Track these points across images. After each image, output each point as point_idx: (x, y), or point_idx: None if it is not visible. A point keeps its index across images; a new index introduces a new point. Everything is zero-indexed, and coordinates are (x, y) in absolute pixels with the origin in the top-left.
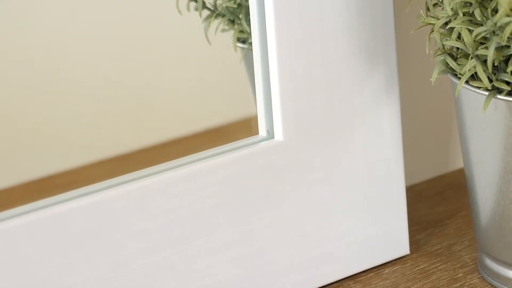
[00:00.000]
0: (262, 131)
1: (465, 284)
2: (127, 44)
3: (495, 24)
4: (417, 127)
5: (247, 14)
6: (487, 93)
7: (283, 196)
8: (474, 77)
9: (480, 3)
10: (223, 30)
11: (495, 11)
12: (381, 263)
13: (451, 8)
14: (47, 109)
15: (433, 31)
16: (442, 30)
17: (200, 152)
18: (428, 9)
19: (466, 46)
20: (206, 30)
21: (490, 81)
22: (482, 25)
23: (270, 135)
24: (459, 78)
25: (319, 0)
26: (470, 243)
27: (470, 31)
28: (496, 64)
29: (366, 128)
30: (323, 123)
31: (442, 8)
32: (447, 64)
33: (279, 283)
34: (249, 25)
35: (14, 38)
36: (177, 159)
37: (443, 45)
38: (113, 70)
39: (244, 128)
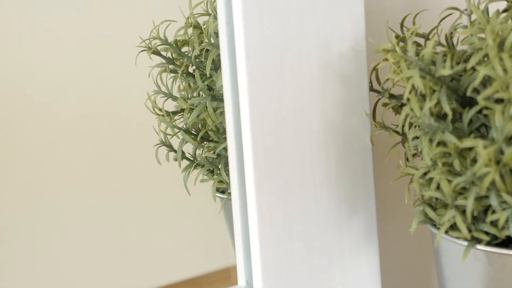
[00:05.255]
0: (242, 281)
1: None
2: (104, 196)
3: (474, 174)
4: (396, 277)
5: (226, 164)
6: (466, 243)
7: None
8: (453, 227)
9: (459, 153)
10: (202, 180)
11: (474, 161)
12: None
13: (431, 159)
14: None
15: (412, 181)
16: (421, 180)
17: None
18: (407, 159)
19: (445, 196)
20: (185, 180)
21: (469, 231)
22: (461, 175)
23: (250, 285)
24: (439, 228)
25: (299, 150)
26: None
27: (449, 182)
28: (475, 215)
29: (345, 277)
30: (302, 272)
31: (421, 159)
32: (426, 214)
33: None
34: (228, 175)
35: None
36: None
37: (422, 195)
38: (92, 221)
39: (223, 278)
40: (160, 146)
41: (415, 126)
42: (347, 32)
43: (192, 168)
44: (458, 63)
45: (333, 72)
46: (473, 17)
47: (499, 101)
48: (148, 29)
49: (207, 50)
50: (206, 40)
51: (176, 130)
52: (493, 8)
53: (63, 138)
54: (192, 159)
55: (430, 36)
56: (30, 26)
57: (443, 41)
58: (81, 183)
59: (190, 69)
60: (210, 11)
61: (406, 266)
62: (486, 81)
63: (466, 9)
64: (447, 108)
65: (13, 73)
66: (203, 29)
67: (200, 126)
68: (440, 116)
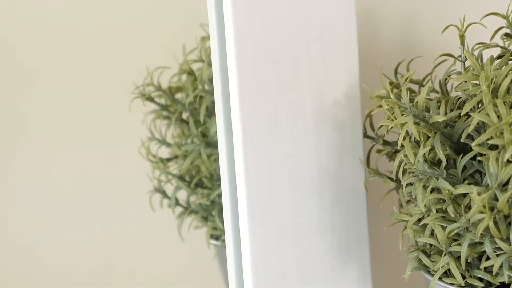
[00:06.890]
0: None
1: None
2: (98, 241)
3: (468, 220)
4: None
5: (220, 211)
6: None
7: None
8: (447, 273)
9: (453, 199)
10: (196, 227)
11: (468, 207)
12: None
13: (424, 205)
14: None
15: (406, 227)
16: (415, 227)
17: None
18: (401, 205)
19: (439, 242)
20: (179, 227)
21: (464, 277)
22: (455, 221)
23: None
24: (433, 275)
25: (293, 196)
26: None
27: (443, 228)
28: (469, 261)
29: None
30: None
31: (415, 205)
32: (420, 260)
33: None
34: (222, 222)
35: None
36: None
37: (416, 242)
38: (86, 267)
39: None
40: (154, 193)
41: (409, 173)
42: (341, 78)
43: (186, 215)
44: (452, 110)
45: (327, 118)
46: (467, 63)
47: (493, 147)
48: (142, 76)
49: (201, 97)
50: (200, 87)
51: (170, 177)
52: (487, 54)
53: (55, 187)
54: (186, 206)
55: (424, 82)
56: (27, 74)
57: (437, 87)
58: (74, 229)
59: (184, 116)
60: (203, 58)
61: None
62: (480, 128)
63: (460, 56)
64: (441, 155)
65: (14, 119)
66: (196, 75)
67: (194, 173)
68: (434, 163)
